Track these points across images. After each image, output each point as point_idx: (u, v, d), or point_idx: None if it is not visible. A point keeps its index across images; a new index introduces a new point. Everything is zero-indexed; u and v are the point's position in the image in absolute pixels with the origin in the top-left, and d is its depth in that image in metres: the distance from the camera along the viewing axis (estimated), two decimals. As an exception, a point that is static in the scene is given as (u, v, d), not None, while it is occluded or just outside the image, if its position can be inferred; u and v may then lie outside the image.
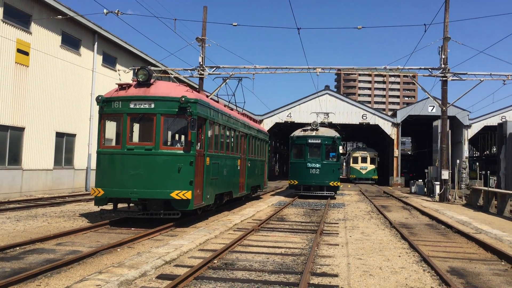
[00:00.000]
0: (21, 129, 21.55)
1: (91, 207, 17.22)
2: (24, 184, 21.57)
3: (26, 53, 21.68)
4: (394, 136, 46.49)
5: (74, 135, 25.84)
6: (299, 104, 47.37)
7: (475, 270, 8.85)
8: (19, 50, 21.17)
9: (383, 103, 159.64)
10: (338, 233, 12.84)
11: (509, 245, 11.62)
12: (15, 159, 21.18)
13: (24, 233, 11.28)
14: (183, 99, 12.50)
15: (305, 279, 7.35)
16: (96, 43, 27.37)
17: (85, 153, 26.56)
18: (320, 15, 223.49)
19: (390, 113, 70.19)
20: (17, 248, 9.32)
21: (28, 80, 21.93)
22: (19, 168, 21.34)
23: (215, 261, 8.73)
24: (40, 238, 10.15)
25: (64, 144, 25.02)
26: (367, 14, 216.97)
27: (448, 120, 27.62)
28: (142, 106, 12.73)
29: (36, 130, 22.55)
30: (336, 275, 7.95)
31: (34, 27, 22.28)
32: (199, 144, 13.47)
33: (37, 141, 22.62)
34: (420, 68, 26.95)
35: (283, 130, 56.55)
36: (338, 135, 26.66)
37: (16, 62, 21.04)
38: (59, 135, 24.50)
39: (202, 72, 26.72)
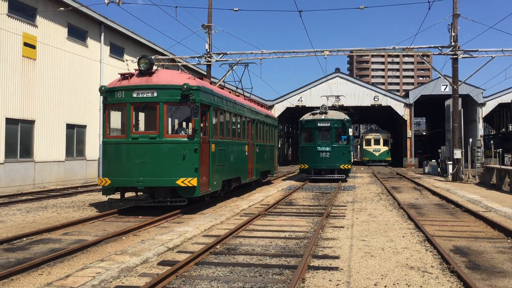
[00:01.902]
0: (32, 122, 21.82)
1: (101, 197, 17.44)
2: (37, 176, 21.92)
3: (33, 47, 21.85)
4: (407, 117, 46.00)
5: (84, 126, 26.09)
6: (309, 88, 47.07)
7: (479, 249, 8.78)
8: (25, 44, 21.34)
9: (398, 84, 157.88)
10: (345, 216, 12.82)
11: (518, 223, 11.49)
12: (27, 151, 21.50)
13: (33, 224, 11.48)
14: (185, 86, 12.50)
15: (305, 261, 7.38)
16: (102, 34, 27.46)
17: (96, 143, 26.81)
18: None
19: (404, 93, 69.43)
20: (24, 238, 9.50)
21: (36, 73, 22.15)
22: (31, 161, 21.67)
23: (218, 246, 8.79)
24: (47, 228, 10.33)
25: (75, 136, 25.29)
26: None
27: (460, 99, 27.22)
28: (145, 95, 12.78)
29: (47, 123, 22.81)
30: (337, 257, 7.96)
31: (39, 20, 22.41)
32: (203, 131, 13.50)
33: (48, 133, 22.90)
34: (429, 47, 26.49)
35: (294, 114, 56.37)
36: (347, 117, 26.47)
37: (23, 56, 21.23)
38: (70, 126, 24.76)
39: (209, 59, 26.69)
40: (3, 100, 20.06)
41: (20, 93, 21.08)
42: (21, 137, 21.09)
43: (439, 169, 31.74)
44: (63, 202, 16.19)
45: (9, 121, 20.41)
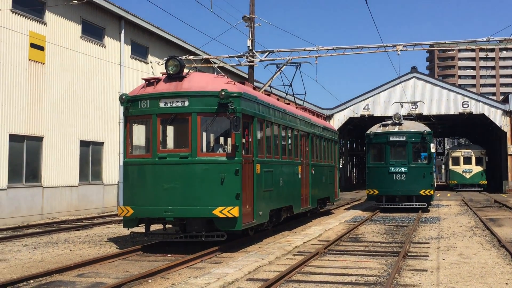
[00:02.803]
0: (40, 139, 22.68)
1: (122, 230, 17.81)
2: (45, 205, 22.68)
3: (41, 48, 22.83)
4: (506, 128, 44.68)
5: (101, 144, 26.87)
6: (378, 93, 46.67)
7: None
8: (32, 45, 22.33)
9: (493, 85, 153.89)
10: (427, 256, 12.57)
11: None
12: (34, 175, 22.33)
13: (41, 263, 11.86)
14: (223, 93, 12.68)
15: (378, 314, 7.25)
16: (123, 31, 28.35)
17: (115, 164, 27.50)
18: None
19: (502, 98, 67.69)
20: (31, 281, 9.82)
21: (45, 80, 23.07)
22: (39, 186, 22.47)
23: (266, 293, 8.78)
24: (58, 269, 10.63)
25: (91, 155, 26.07)
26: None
27: None
28: (174, 105, 13.05)
29: (57, 139, 23.64)
30: (419, 309, 7.78)
31: (48, 16, 23.41)
32: (246, 148, 13.60)
33: (59, 152, 23.71)
34: (535, 37, 25.77)
35: (359, 126, 55.97)
36: (428, 129, 26.04)
37: (29, 59, 22.20)
38: (84, 144, 25.55)
39: (252, 59, 27.00)
40: (6, 113, 20.97)
41: (26, 105, 21.99)
42: (27, 157, 21.93)
43: (551, 195, 30.54)
44: (76, 236, 16.64)
45: (14, 138, 21.29)
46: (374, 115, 46.02)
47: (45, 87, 23.07)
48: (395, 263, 11.27)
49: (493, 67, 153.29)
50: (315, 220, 21.50)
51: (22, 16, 21.89)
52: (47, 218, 22.43)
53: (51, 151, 23.29)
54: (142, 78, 14.17)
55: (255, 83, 26.42)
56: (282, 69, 25.18)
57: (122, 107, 13.93)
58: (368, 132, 26.76)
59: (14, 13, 21.49)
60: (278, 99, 18.38)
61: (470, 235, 16.60)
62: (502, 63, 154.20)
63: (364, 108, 46.80)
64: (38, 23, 22.82)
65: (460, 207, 28.56)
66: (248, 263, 11.15)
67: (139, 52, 30.26)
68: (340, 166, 46.23)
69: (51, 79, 23.42)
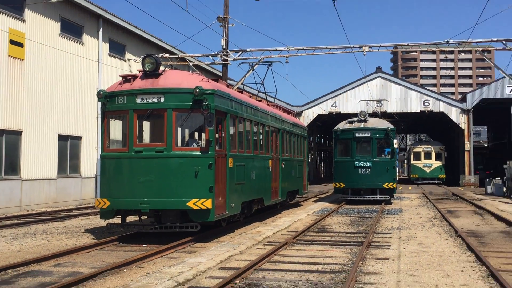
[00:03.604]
0: (18, 133, 22.28)
1: (99, 221, 17.62)
2: (24, 197, 22.31)
3: (21, 45, 22.40)
4: (464, 125, 45.46)
5: (79, 138, 26.52)
6: (345, 91, 47.00)
7: (557, 287, 8.57)
8: (12, 42, 21.90)
9: (452, 85, 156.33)
10: (389, 245, 12.72)
11: None
12: (12, 168, 21.93)
13: (19, 253, 11.67)
14: (197, 90, 12.62)
15: (342, 301, 7.32)
16: (101, 29, 28.00)
17: (93, 158, 27.21)
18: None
19: (460, 97, 68.77)
20: (9, 270, 9.65)
21: (24, 76, 22.66)
22: (18, 179, 22.08)
23: (237, 281, 8.79)
24: (36, 259, 10.47)
25: (69, 149, 25.71)
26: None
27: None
28: (150, 101, 12.94)
29: (36, 133, 23.26)
30: (381, 296, 7.87)
31: (28, 13, 22.99)
32: (219, 143, 13.58)
33: (37, 146, 23.34)
34: (491, 41, 26.26)
35: (327, 123, 56.32)
36: (391, 126, 26.33)
37: (9, 56, 21.77)
38: (62, 138, 25.18)
39: (226, 58, 26.91)
40: (-14, 108, 20.54)
41: (5, 100, 21.57)
42: (6, 150, 21.53)
43: (505, 188, 31.20)
44: (54, 227, 16.41)
45: (-7, 132, 20.87)
46: (341, 112, 46.34)
47: (24, 83, 22.65)
48: (359, 252, 11.38)
49: (452, 68, 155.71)
50: (284, 211, 21.57)
51: (1, 13, 21.43)
52: (25, 210, 22.07)
53: (30, 145, 22.90)
54: (119, 75, 14.02)
55: (228, 81, 26.35)
56: (254, 68, 25.20)
57: (99, 103, 13.78)
58: (335, 128, 26.93)
59: (-7, 10, 21.04)
60: (250, 97, 18.37)
61: (429, 225, 16.83)
62: (460, 64, 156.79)
63: (332, 106, 47.08)
64: (18, 20, 22.38)
65: (420, 200, 28.97)
66: (220, 253, 11.14)
67: (117, 50, 29.92)
68: (309, 160, 46.51)
69: (30, 75, 23.01)
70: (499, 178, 33.95)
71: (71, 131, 25.83)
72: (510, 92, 43.04)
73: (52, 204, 23.92)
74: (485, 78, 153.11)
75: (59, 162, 24.86)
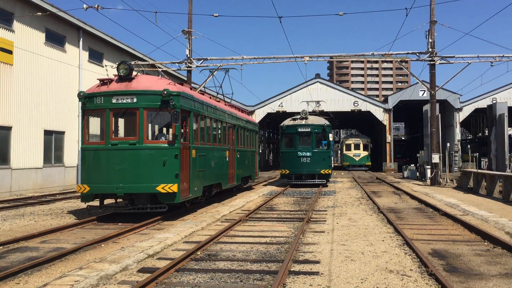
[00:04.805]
0: (8, 128, 21.44)
1: (80, 204, 17.18)
2: (13, 184, 21.51)
3: (10, 52, 21.50)
4: (386, 122, 46.55)
5: (63, 133, 25.73)
6: (290, 94, 47.29)
7: (457, 252, 8.92)
8: (2, 49, 20.99)
9: (377, 89, 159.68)
10: (325, 220, 12.90)
11: (494, 226, 11.72)
12: (3, 158, 21.10)
13: (9, 232, 11.27)
14: (165, 92, 12.46)
15: (286, 266, 7.40)
16: (81, 39, 27.16)
17: (75, 150, 26.47)
18: (301, 3, 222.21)
19: (383, 99, 70.25)
20: (0, 247, 9.32)
21: (13, 79, 21.78)
22: (8, 168, 21.26)
23: (198, 253, 8.76)
24: (24, 237, 10.15)
25: (53, 142, 24.91)
26: (348, 0, 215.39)
27: (437, 104, 27.70)
28: (124, 101, 12.69)
29: (24, 129, 22.44)
30: (318, 262, 8.00)
31: (16, 25, 22.07)
32: (184, 137, 13.46)
33: (25, 140, 22.52)
34: (407, 53, 26.93)
35: (275, 120, 56.56)
36: (328, 123, 26.68)
37: (-1, 61, 20.88)
38: (48, 133, 24.38)
39: (190, 65, 26.64)
40: (-22, 106, 19.67)
41: (-4, 99, 20.69)
42: (-3, 143, 20.68)
43: (417, 173, 32.16)
44: (40, 209, 15.92)
45: (-15, 128, 20.01)
46: (286, 111, 46.61)
47: (13, 85, 21.78)
48: (300, 226, 11.52)
49: (376, 75, 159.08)
50: (239, 194, 21.60)
51: (-8, 24, 20.53)
52: (15, 195, 21.27)
53: (19, 138, 22.07)
54: (97, 79, 13.66)
55: (192, 85, 26.08)
56: (214, 74, 25.07)
57: (80, 102, 13.40)
58: (281, 124, 27.09)
59: (-15, 21, 20.11)
60: (210, 98, 18.25)
61: (357, 204, 17.17)
62: (383, 72, 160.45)
63: (279, 106, 47.30)
64: (7, 30, 21.46)
65: (351, 183, 29.51)
66: (185, 229, 11.08)
67: (95, 57, 29.11)
68: (260, 151, 46.66)
69: (18, 78, 22.14)
70: (413, 165, 34.99)
71: (55, 126, 25.03)
72: (422, 95, 44.32)
73: (39, 190, 23.16)
74: (403, 83, 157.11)
75: (45, 153, 24.06)
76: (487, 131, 52.48)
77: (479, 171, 21.83)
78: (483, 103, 44.94)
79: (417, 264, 7.81)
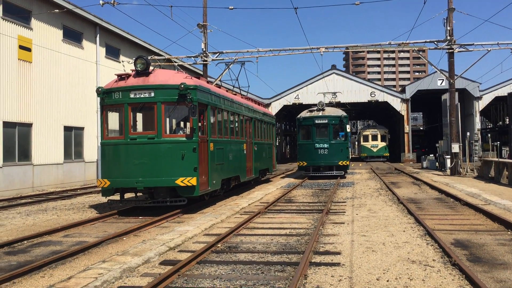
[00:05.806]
0: (29, 125, 21.76)
1: (101, 198, 17.39)
2: (35, 179, 21.86)
3: (29, 49, 21.78)
4: (403, 112, 46.08)
5: (82, 128, 26.03)
6: (306, 85, 47.11)
7: (480, 241, 8.80)
8: (21, 47, 21.26)
9: (394, 79, 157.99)
10: (344, 212, 12.84)
11: (517, 215, 11.52)
12: (25, 155, 21.44)
13: (33, 227, 11.46)
14: (182, 86, 12.49)
15: (307, 258, 7.38)
16: (98, 35, 27.37)
17: (94, 145, 26.77)
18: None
19: (400, 89, 69.52)
20: (25, 241, 9.48)
21: (32, 76, 22.07)
22: (30, 164, 21.61)
23: (219, 245, 8.79)
24: (48, 231, 10.30)
25: (73, 138, 25.22)
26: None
27: (456, 93, 27.29)
28: (142, 96, 12.76)
29: (44, 125, 22.74)
30: (338, 253, 7.97)
31: (34, 22, 22.32)
32: (201, 130, 13.49)
33: (46, 136, 22.84)
34: (425, 42, 26.55)
35: (292, 112, 56.40)
36: (345, 114, 26.49)
37: (19, 59, 21.15)
38: (67, 129, 24.69)
39: (206, 59, 26.67)
40: (0, 104, 19.99)
41: (17, 97, 21.01)
42: (19, 140, 21.01)
43: (437, 163, 31.79)
44: (62, 204, 16.15)
45: (7, 125, 20.34)
46: (303, 103, 46.46)
47: (33, 82, 22.07)
48: (320, 218, 11.48)
49: (393, 65, 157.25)
50: (257, 186, 21.62)
51: (11, 23, 20.78)
52: (37, 190, 21.63)
53: (40, 135, 22.38)
54: (115, 74, 13.76)
55: (208, 78, 26.12)
56: (230, 67, 25.07)
57: (99, 98, 13.52)
58: (298, 116, 26.99)
59: (4, 20, 20.36)
60: (227, 91, 18.27)
61: (376, 195, 17.05)
62: (400, 61, 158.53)
63: (295, 98, 47.17)
64: (26, 28, 21.73)
65: (369, 174, 29.33)
66: (205, 222, 11.13)
67: (112, 53, 29.32)
68: (277, 144, 46.63)
69: (38, 75, 22.42)
70: (432, 155, 34.57)
71: (74, 122, 25.32)
72: (440, 84, 43.71)
73: (60, 185, 23.50)
74: (420, 73, 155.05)
75: (65, 149, 24.38)
76: (507, 119, 51.60)
77: (501, 160, 21.47)
78: (503, 91, 44.16)
79: (440, 254, 7.72)
